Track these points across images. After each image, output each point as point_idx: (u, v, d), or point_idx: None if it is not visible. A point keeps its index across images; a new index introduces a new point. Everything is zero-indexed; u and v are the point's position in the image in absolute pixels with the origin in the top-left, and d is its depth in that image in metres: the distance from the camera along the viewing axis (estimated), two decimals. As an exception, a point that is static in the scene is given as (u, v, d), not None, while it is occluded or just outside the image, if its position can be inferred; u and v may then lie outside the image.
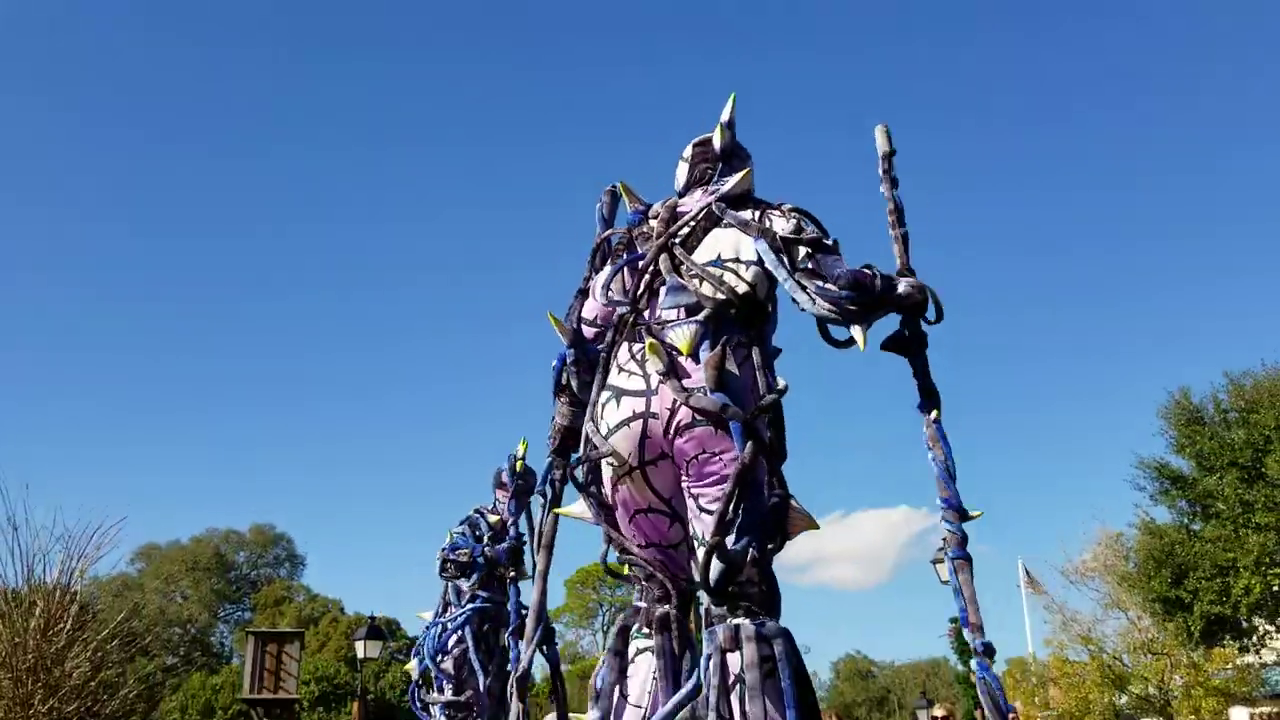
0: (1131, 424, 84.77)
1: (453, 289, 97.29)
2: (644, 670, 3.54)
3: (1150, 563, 24.98)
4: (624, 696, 3.55)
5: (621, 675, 3.58)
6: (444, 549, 6.85)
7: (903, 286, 3.40)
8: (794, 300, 3.44)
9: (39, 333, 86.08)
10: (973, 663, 3.27)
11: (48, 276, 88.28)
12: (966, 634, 3.30)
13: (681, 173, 4.12)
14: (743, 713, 3.05)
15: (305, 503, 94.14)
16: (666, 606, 3.59)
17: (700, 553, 3.26)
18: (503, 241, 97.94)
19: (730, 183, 3.80)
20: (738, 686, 3.09)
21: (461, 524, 6.95)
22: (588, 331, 3.96)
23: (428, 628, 5.49)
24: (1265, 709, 31.63)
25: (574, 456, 3.84)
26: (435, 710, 7.34)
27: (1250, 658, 29.15)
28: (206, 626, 66.92)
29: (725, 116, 3.98)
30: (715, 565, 3.14)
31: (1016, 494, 76.46)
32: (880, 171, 3.67)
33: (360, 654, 20.79)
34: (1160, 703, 33.31)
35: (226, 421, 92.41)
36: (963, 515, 3.32)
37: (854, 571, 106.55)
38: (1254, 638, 25.47)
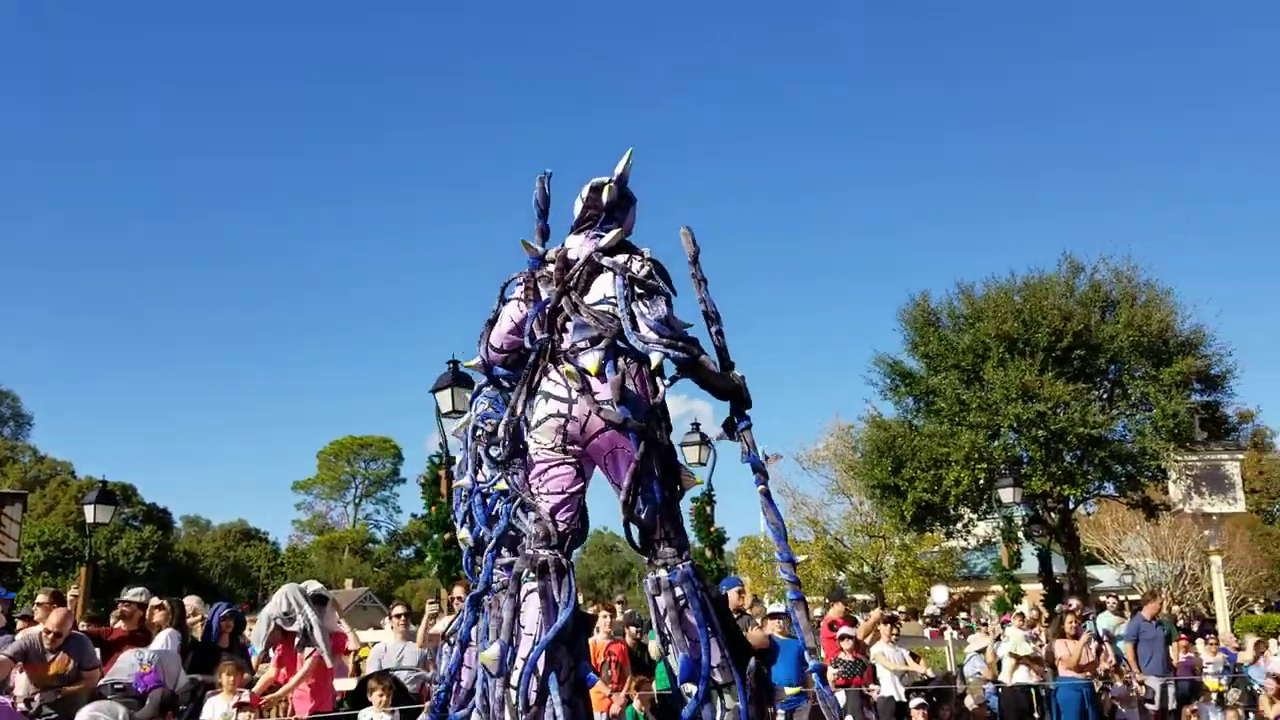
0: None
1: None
2: (533, 607, 4.39)
3: (874, 453, 26.83)
4: (521, 627, 4.39)
5: (516, 611, 4.42)
6: (475, 414, 6.34)
7: (732, 375, 4.56)
8: (626, 327, 4.47)
9: None
10: (814, 678, 4.62)
11: None
12: (807, 656, 4.76)
13: (577, 208, 4.99)
14: (675, 637, 4.37)
15: (33, 359, 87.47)
16: (547, 553, 4.47)
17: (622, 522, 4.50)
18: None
19: (607, 238, 4.77)
20: (668, 616, 4.38)
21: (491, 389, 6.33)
22: (495, 356, 5.15)
23: (471, 493, 5.35)
24: (964, 588, 35.28)
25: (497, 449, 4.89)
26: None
27: (954, 543, 32.26)
28: (-88, 485, 61.59)
29: (618, 170, 4.87)
30: (633, 529, 4.51)
31: (781, 392, 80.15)
32: (689, 275, 4.71)
33: (90, 519, 19.70)
34: (873, 579, 36.52)
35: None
36: (794, 564, 4.56)
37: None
38: (959, 524, 28.01)
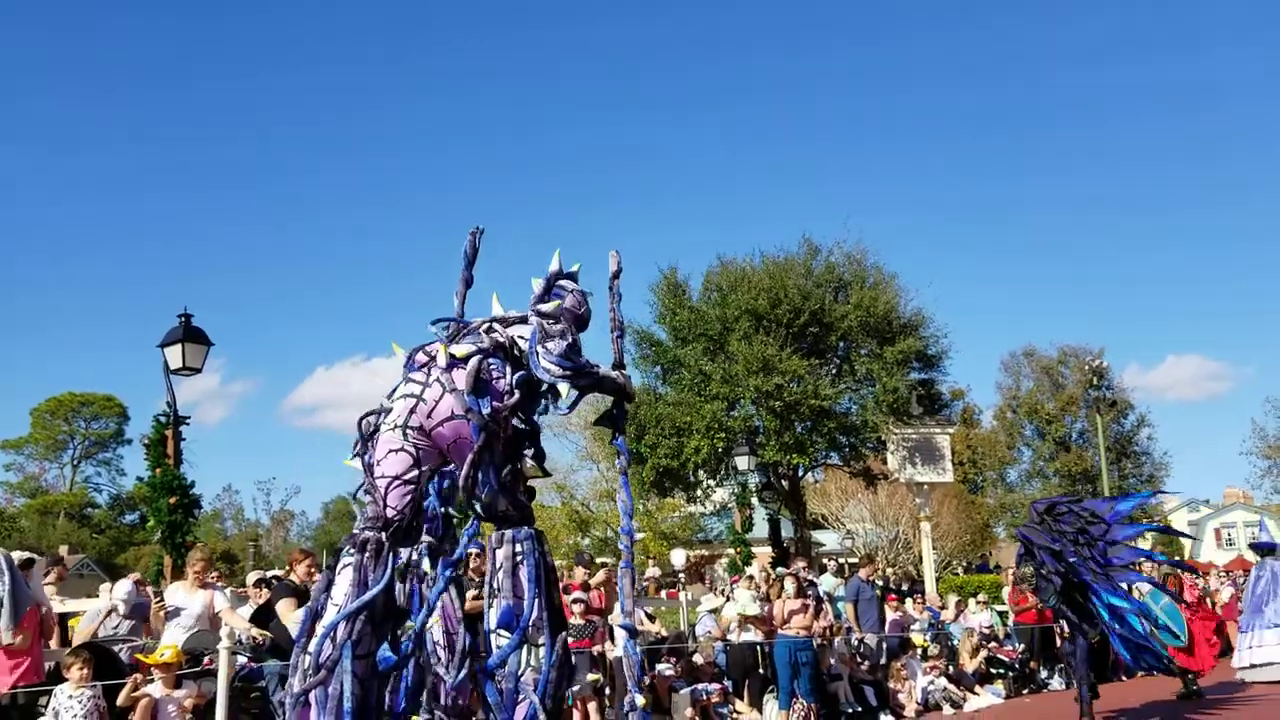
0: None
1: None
2: (345, 580, 4.62)
3: (616, 418, 27.38)
4: (329, 598, 4.63)
5: (329, 583, 4.67)
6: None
7: (616, 376, 5.46)
8: (532, 362, 5.07)
9: None
10: (622, 640, 5.25)
11: None
12: (623, 619, 5.34)
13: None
14: (503, 588, 4.81)
15: None
16: (371, 533, 4.74)
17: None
18: None
19: (546, 307, 5.31)
20: (502, 569, 4.84)
21: None
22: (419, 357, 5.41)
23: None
24: (701, 551, 36.72)
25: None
26: None
27: (694, 508, 33.50)
28: None
29: (552, 267, 5.58)
30: (475, 505, 5.02)
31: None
32: (608, 287, 5.73)
33: None
34: (615, 544, 37.39)
35: None
36: (632, 539, 5.40)
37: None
38: (699, 490, 29.08)
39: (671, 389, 27.38)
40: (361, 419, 5.16)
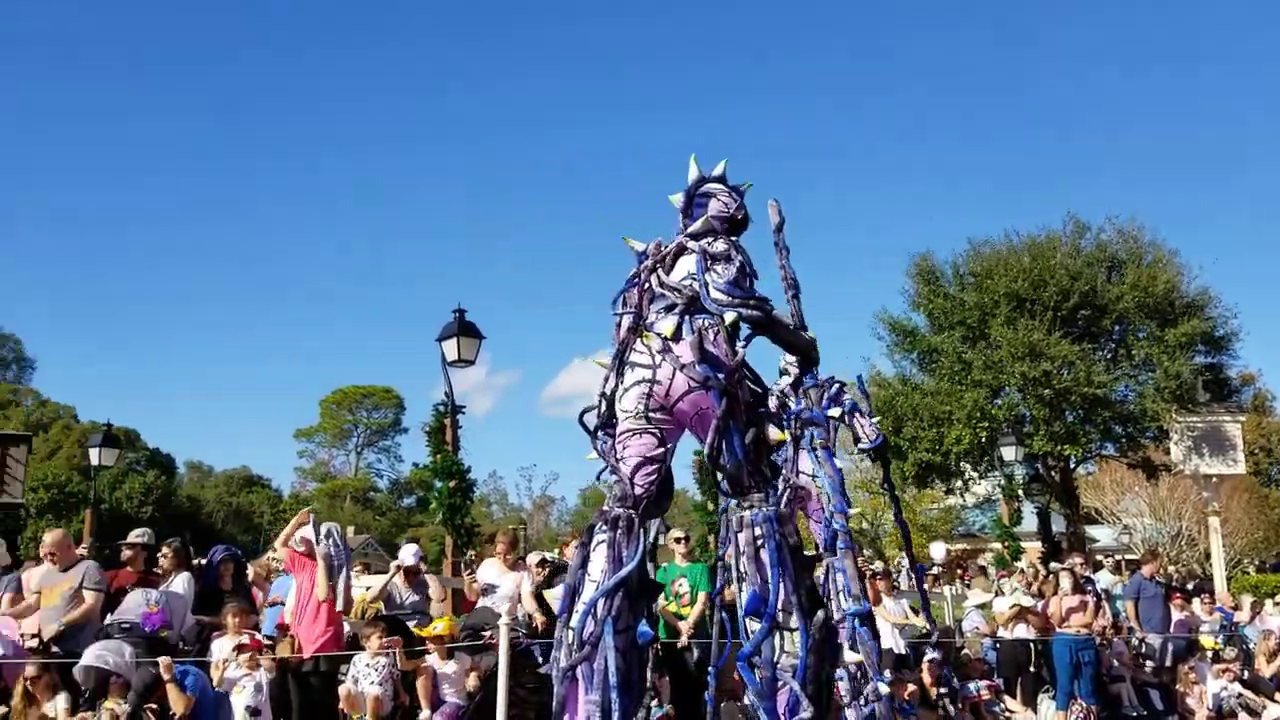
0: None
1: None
2: (601, 556, 4.71)
3: (875, 410, 26.81)
4: (587, 574, 4.73)
5: (585, 560, 4.79)
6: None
7: (803, 333, 5.34)
8: (701, 294, 4.92)
9: None
10: (859, 628, 5.03)
11: None
12: (850, 603, 5.15)
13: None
14: (747, 572, 4.69)
15: (38, 304, 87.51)
16: (621, 510, 4.79)
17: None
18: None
19: (694, 226, 5.21)
20: (744, 553, 4.70)
21: None
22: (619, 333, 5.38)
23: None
24: (961, 545, 35.49)
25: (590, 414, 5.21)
26: None
27: (953, 500, 32.40)
28: (-84, 427, 61.76)
29: (691, 176, 5.35)
30: (720, 476, 4.90)
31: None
32: (773, 243, 5.34)
33: (95, 461, 19.79)
34: (872, 535, 36.75)
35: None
36: (847, 516, 5.25)
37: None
38: (960, 481, 28.08)
39: (929, 378, 26.56)
40: (581, 415, 5.20)
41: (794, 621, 4.57)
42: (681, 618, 9.68)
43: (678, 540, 10.38)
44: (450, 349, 13.13)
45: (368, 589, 10.03)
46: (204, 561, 9.78)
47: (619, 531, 4.74)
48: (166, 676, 7.56)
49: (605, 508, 4.88)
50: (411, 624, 9.09)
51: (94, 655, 7.77)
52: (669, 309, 4.98)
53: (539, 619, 9.03)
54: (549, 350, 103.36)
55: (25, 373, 67.37)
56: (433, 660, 8.40)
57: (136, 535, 9.42)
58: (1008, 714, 11.54)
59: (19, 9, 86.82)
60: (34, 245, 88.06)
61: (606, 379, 5.12)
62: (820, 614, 4.65)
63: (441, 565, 11.24)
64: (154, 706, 7.61)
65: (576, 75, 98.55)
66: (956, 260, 27.22)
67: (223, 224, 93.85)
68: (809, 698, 4.45)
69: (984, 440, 24.83)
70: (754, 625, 4.58)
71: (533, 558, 10.05)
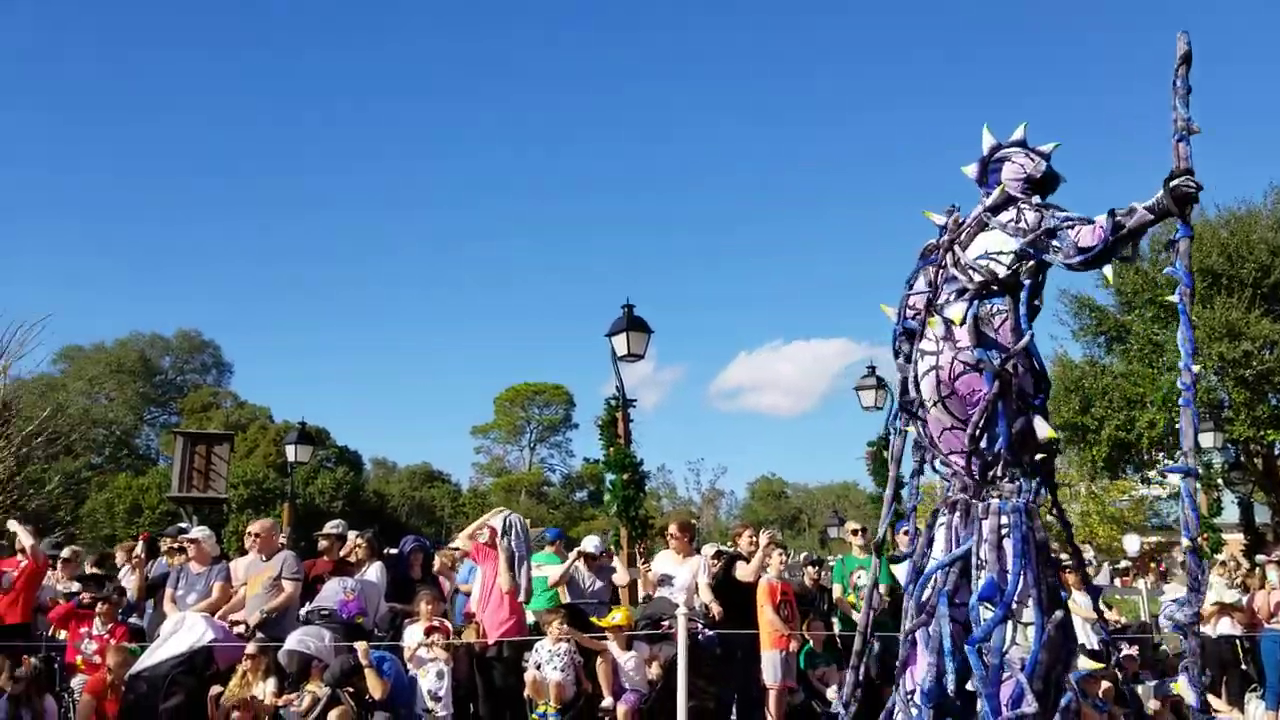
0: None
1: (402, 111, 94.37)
2: (940, 537, 5.00)
3: (1061, 391, 25.86)
4: (930, 554, 5.03)
5: (930, 540, 5.08)
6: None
7: (1154, 201, 4.74)
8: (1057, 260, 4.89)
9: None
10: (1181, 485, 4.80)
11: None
12: (1184, 462, 4.83)
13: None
14: (988, 560, 4.69)
15: (233, 310, 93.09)
16: (957, 495, 4.96)
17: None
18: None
19: (990, 200, 5.16)
20: (986, 541, 4.71)
21: None
22: (909, 312, 5.41)
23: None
24: (1155, 538, 33.65)
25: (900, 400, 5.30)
26: None
27: (1148, 490, 30.78)
28: (132, 429, 66.64)
29: (985, 144, 5.29)
30: (974, 461, 4.85)
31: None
32: (1171, 85, 4.86)
33: (291, 458, 20.99)
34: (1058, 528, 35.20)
35: (151, 225, 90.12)
36: (1194, 379, 4.97)
37: (783, 399, 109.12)
38: (1153, 470, 26.72)
39: (1118, 359, 25.31)
40: (902, 404, 5.32)
41: (1028, 615, 4.62)
42: (861, 610, 9.53)
43: (854, 532, 10.23)
44: (620, 344, 13.29)
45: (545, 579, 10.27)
46: (394, 552, 10.21)
47: (956, 515, 4.93)
48: (364, 661, 7.94)
49: (947, 493, 5.10)
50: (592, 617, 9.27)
51: (296, 640, 8.22)
52: (960, 293, 5.00)
53: (715, 609, 9.05)
54: (714, 344, 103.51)
55: (224, 376, 71.86)
56: (612, 649, 8.52)
57: (332, 527, 9.92)
58: (1213, 713, 10.93)
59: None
60: (229, 253, 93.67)
61: (907, 357, 5.23)
62: (1058, 613, 4.68)
63: (618, 556, 11.40)
64: (351, 689, 8.00)
65: (749, 72, 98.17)
66: (1154, 234, 25.84)
67: (401, 222, 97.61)
68: (1034, 693, 4.44)
69: (1179, 426, 23.48)
70: (987, 613, 4.60)
71: (708, 549, 10.08)
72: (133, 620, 9.75)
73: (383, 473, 72.27)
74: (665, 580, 9.48)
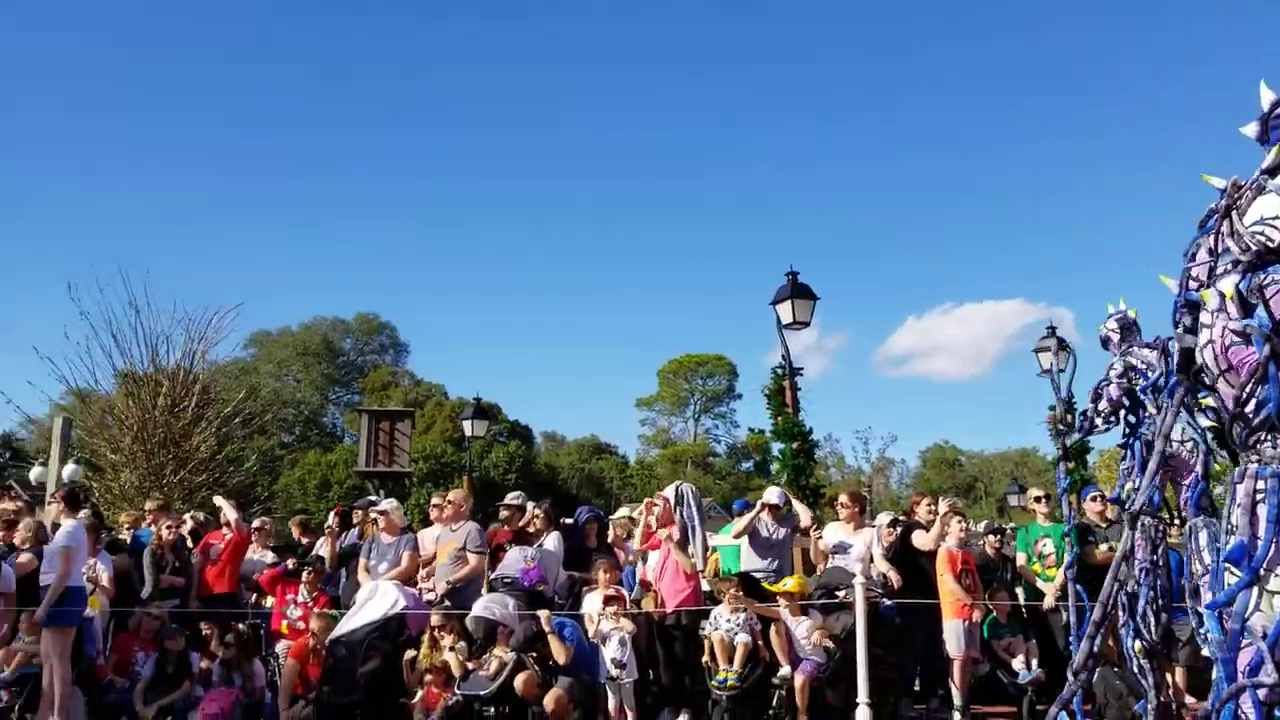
0: None
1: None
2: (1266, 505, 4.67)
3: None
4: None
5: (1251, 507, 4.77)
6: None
7: None
8: None
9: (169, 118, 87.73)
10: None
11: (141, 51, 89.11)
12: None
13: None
14: (1239, 524, 4.51)
15: (408, 292, 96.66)
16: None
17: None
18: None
19: (1267, 161, 4.83)
20: (1239, 504, 4.52)
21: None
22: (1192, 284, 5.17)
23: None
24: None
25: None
26: None
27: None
28: (318, 408, 70.23)
29: (1264, 101, 4.88)
30: (1236, 426, 4.62)
31: None
32: None
33: (468, 432, 21.72)
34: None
35: (328, 212, 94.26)
36: None
37: (953, 363, 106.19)
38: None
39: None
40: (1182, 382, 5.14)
41: (1275, 583, 4.37)
42: (1047, 579, 9.22)
43: (1038, 499, 9.88)
44: (785, 312, 13.17)
45: (714, 550, 10.30)
46: (569, 522, 10.44)
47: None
48: (547, 628, 8.16)
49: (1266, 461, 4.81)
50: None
51: (482, 607, 8.52)
52: (1235, 264, 4.78)
53: (895, 579, 8.91)
54: (880, 310, 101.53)
55: (401, 356, 74.96)
56: (785, 617, 8.49)
57: (513, 498, 10.22)
58: None
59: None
60: (404, 237, 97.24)
61: (1187, 333, 5.02)
62: None
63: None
64: (535, 655, 8.25)
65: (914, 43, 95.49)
66: None
67: (565, 195, 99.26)
68: (1276, 664, 4.21)
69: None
70: (1231, 577, 4.43)
71: (883, 518, 9.91)
72: (328, 589, 10.29)
73: (552, 445, 73.99)
74: (838, 550, 9.37)
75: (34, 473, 21.73)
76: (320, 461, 53.83)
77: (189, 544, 11.06)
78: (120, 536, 11.07)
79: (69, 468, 18.61)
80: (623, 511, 10.96)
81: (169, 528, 10.68)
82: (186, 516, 11.87)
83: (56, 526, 9.62)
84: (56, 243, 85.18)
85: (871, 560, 9.18)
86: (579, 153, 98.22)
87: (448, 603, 8.95)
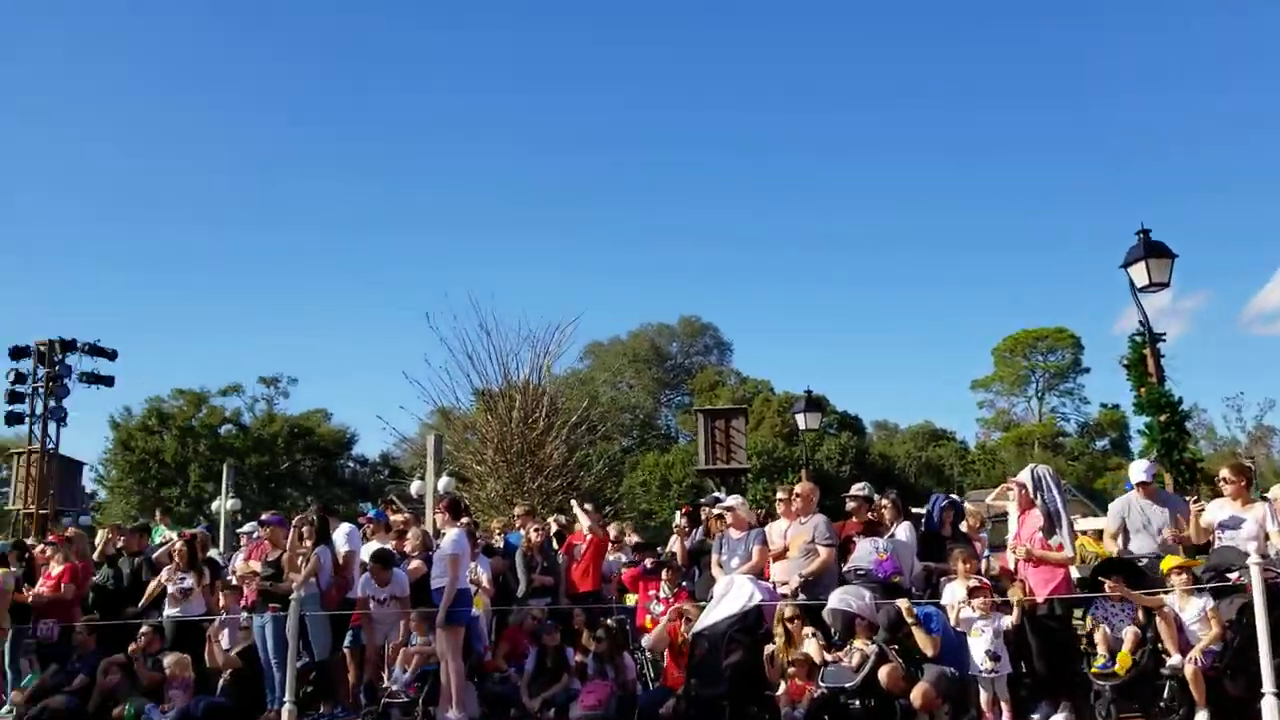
0: None
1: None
2: None
3: None
4: None
5: None
6: None
7: None
8: None
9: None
10: None
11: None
12: None
13: None
14: None
15: (726, 292, 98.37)
16: None
17: None
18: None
19: None
20: None
21: None
22: None
23: None
24: None
25: None
26: None
27: None
28: (652, 412, 72.82)
29: None
30: None
31: None
32: None
33: (801, 425, 21.74)
34: None
35: (659, 218, 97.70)
36: None
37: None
38: None
39: None
40: None
41: None
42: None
43: None
44: (1139, 274, 12.11)
45: (1084, 532, 9.68)
46: (920, 511, 10.17)
47: None
48: (909, 619, 7.98)
49: None
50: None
51: (838, 599, 8.46)
52: None
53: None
54: (1244, 264, 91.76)
55: (725, 355, 76.27)
56: (1173, 602, 7.81)
57: (858, 489, 10.08)
58: None
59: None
60: (720, 237, 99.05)
61: None
62: None
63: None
64: (896, 646, 8.08)
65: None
66: None
67: (878, 184, 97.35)
68: None
69: None
70: None
71: (1276, 490, 8.91)
72: (684, 583, 10.59)
73: (885, 434, 72.59)
74: (1227, 527, 8.50)
75: (414, 486, 23.93)
76: (659, 462, 55.71)
77: (554, 545, 11.81)
78: (493, 541, 12.00)
79: (443, 480, 20.37)
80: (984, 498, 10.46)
81: (536, 530, 11.47)
82: (550, 520, 12.67)
83: (438, 534, 10.56)
84: (416, 274, 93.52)
85: (1267, 538, 8.26)
86: (888, 137, 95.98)
87: (802, 596, 8.96)
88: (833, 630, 8.49)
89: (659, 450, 60.05)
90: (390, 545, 10.78)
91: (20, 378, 24.73)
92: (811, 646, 8.40)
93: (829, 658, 8.25)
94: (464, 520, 10.34)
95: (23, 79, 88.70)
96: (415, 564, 10.37)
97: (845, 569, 9.06)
